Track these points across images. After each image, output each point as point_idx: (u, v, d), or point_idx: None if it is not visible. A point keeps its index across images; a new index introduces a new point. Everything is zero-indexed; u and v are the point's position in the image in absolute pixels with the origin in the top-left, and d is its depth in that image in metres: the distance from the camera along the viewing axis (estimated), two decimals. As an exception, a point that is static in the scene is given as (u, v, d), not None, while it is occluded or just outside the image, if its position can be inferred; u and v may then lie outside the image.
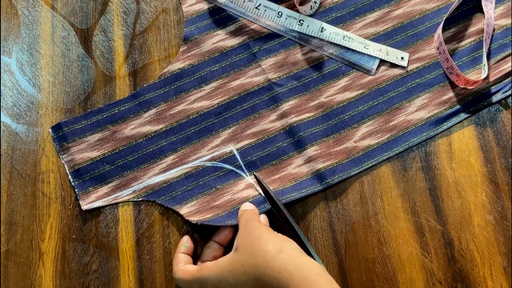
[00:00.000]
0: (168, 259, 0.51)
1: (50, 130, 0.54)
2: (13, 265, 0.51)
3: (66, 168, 0.53)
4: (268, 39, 0.58)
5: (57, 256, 0.51)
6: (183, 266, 0.47)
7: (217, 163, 0.53)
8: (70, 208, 0.52)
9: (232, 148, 0.54)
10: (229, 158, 0.54)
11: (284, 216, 0.49)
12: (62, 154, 0.54)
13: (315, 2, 0.58)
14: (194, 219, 0.51)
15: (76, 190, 0.52)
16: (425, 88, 0.56)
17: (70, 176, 0.53)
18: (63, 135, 0.54)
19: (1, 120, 0.55)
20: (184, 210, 0.52)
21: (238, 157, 0.54)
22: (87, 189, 0.53)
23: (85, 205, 0.52)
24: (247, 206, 0.49)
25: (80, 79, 0.57)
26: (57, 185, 0.53)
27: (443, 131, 0.54)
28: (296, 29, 0.57)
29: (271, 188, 0.52)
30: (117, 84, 0.56)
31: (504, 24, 0.58)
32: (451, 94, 0.55)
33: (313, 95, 0.56)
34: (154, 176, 0.53)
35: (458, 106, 0.55)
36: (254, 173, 0.52)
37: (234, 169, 0.53)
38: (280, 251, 0.41)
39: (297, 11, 0.58)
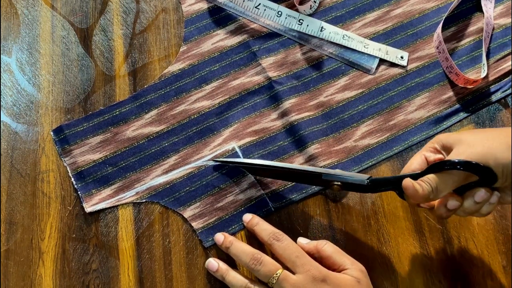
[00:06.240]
0: (168, 258, 0.51)
1: (52, 133, 0.54)
2: (13, 264, 0.51)
3: (69, 171, 0.53)
4: (268, 38, 0.58)
5: (57, 255, 0.51)
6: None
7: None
8: (70, 207, 0.52)
9: (234, 145, 0.54)
10: (231, 156, 0.53)
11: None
12: (64, 157, 0.53)
13: (315, 2, 0.58)
14: (198, 225, 0.51)
15: (79, 192, 0.52)
16: (425, 87, 0.56)
17: (72, 179, 0.53)
18: (64, 138, 0.54)
19: (1, 119, 0.55)
20: (188, 212, 0.52)
21: (240, 154, 0.53)
22: (90, 192, 0.52)
23: (89, 207, 0.52)
24: (250, 217, 0.50)
25: (80, 78, 0.57)
26: (57, 185, 0.53)
27: (442, 130, 0.54)
28: (295, 28, 0.57)
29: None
30: (117, 83, 0.56)
31: (503, 23, 0.58)
32: (450, 93, 0.55)
33: (313, 95, 0.56)
34: (157, 177, 0.53)
35: (457, 105, 0.55)
36: (214, 159, 0.53)
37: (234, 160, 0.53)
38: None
39: (297, 10, 0.58)
